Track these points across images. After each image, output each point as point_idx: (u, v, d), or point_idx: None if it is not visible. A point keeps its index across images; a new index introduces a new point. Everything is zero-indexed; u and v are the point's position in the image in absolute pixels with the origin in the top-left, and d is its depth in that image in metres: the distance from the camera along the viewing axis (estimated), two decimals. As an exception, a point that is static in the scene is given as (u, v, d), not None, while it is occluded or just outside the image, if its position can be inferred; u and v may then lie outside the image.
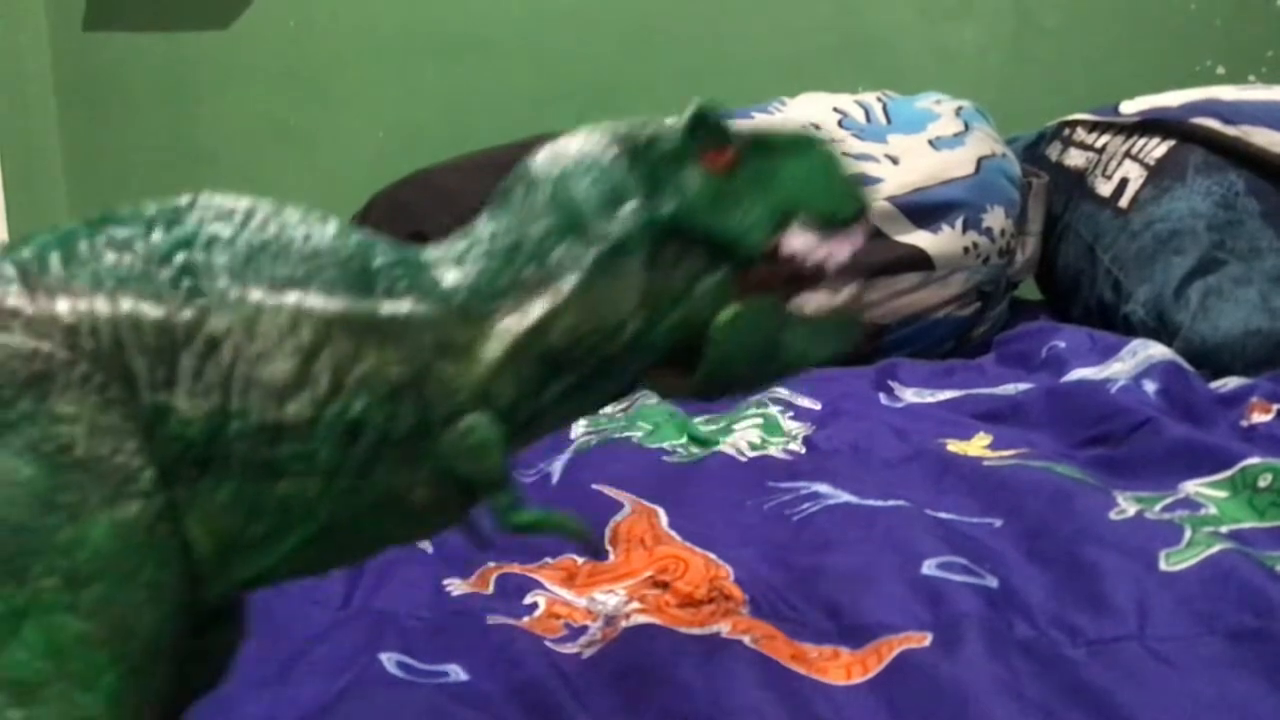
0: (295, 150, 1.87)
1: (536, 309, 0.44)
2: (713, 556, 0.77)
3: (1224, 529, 0.78)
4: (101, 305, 0.39)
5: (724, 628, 0.68)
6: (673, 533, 0.81)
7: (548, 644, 0.67)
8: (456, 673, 0.64)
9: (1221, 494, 0.85)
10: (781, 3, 1.83)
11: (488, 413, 0.43)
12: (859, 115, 1.49)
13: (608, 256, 0.45)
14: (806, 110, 1.51)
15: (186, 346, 0.40)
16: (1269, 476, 0.84)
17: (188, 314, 0.40)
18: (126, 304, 0.39)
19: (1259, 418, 1.00)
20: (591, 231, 0.45)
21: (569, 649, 0.67)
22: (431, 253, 0.46)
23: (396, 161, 1.60)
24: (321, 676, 0.63)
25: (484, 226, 0.46)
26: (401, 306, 0.43)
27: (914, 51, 1.84)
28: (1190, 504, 0.84)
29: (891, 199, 1.37)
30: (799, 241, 0.48)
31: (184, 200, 0.43)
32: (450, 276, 0.45)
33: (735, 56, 1.83)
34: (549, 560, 0.79)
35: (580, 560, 0.79)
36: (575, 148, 0.47)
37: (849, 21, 1.84)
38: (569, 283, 0.45)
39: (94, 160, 1.88)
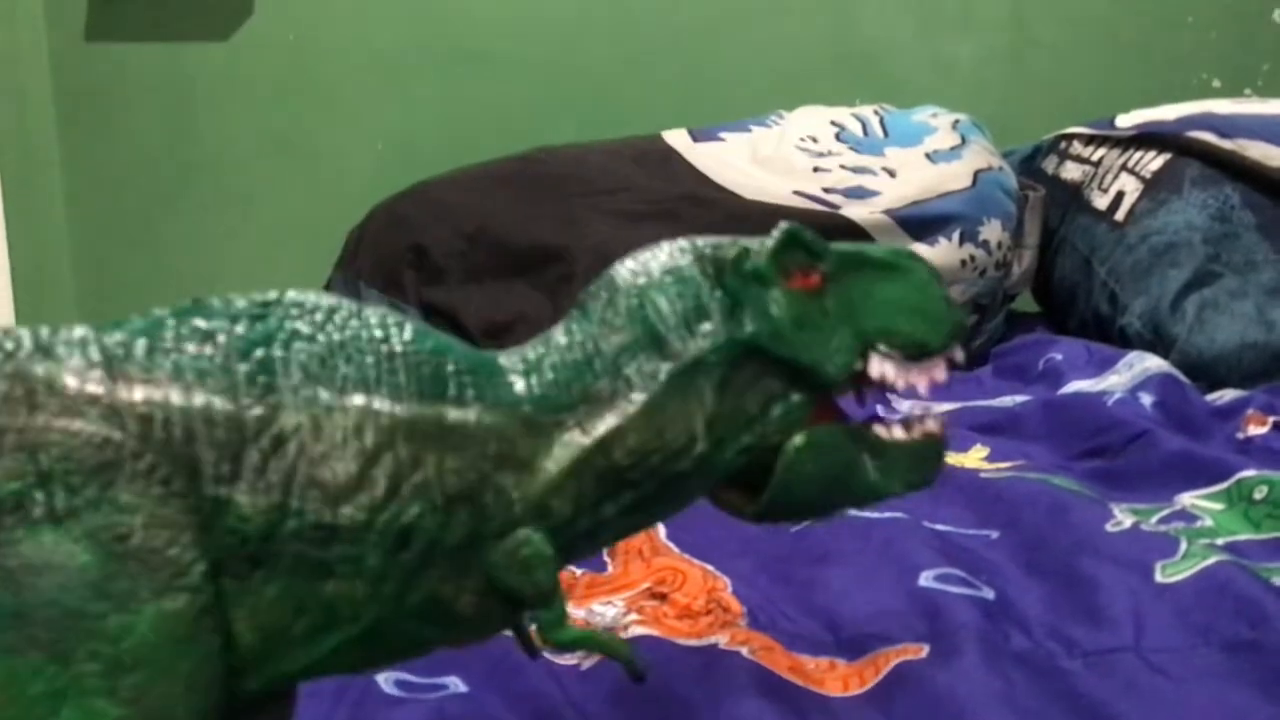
0: (294, 162, 1.87)
1: (602, 426, 0.44)
2: (710, 568, 0.78)
3: (1220, 541, 0.79)
4: (177, 396, 0.40)
5: (722, 639, 0.68)
6: (671, 544, 0.81)
7: (546, 655, 0.67)
8: (456, 684, 0.64)
9: (1217, 506, 0.85)
10: (779, 16, 1.84)
11: (542, 528, 0.43)
12: (856, 128, 1.50)
13: (681, 375, 0.44)
14: (804, 123, 1.51)
15: (254, 442, 0.40)
16: (1265, 488, 0.84)
17: (259, 410, 0.40)
18: (201, 397, 0.40)
19: (1255, 430, 1.01)
20: (668, 348, 0.45)
21: (568, 661, 0.67)
22: (506, 359, 0.46)
23: (395, 174, 1.60)
24: (317, 697, 0.63)
25: (560, 334, 0.46)
26: (468, 415, 0.43)
27: (911, 64, 1.84)
28: (1186, 516, 0.84)
29: (888, 212, 1.37)
30: (883, 368, 0.47)
31: (271, 295, 0.43)
32: (520, 385, 0.44)
33: (733, 69, 1.84)
34: (547, 572, 0.79)
35: (578, 572, 0.79)
36: (660, 261, 0.46)
37: (846, 35, 1.84)
38: (638, 400, 0.44)
39: (93, 170, 1.89)
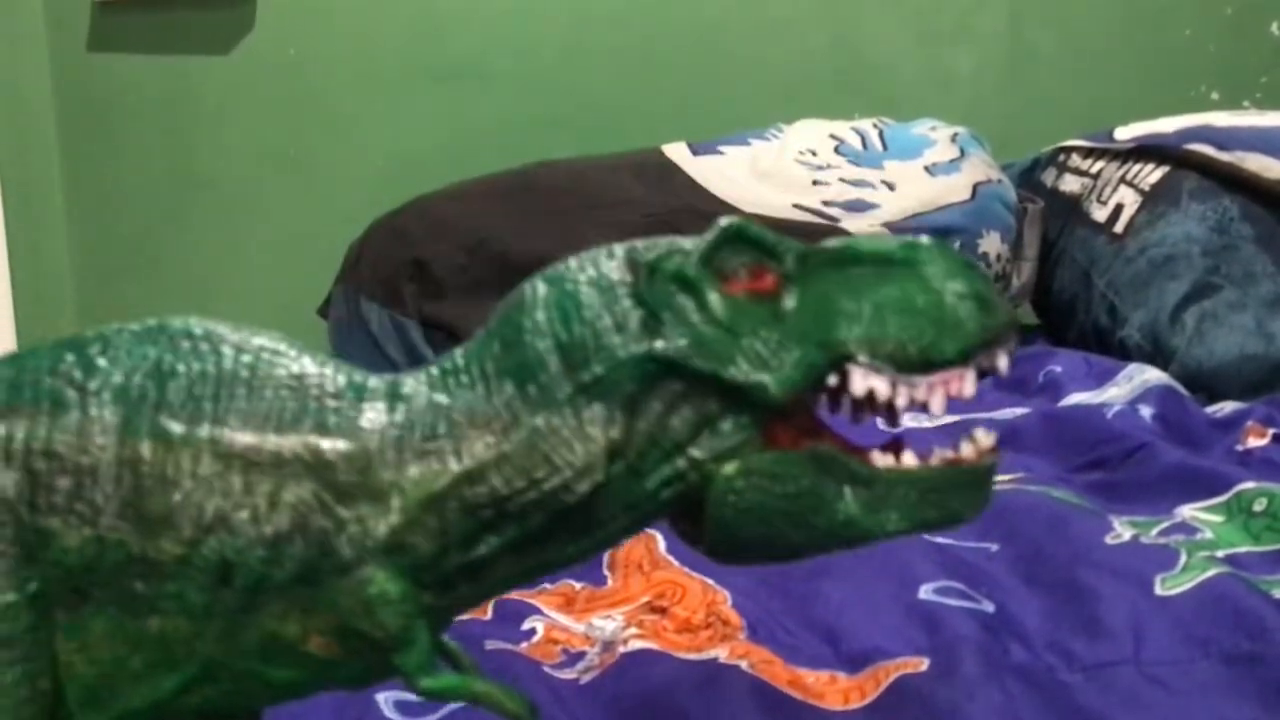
0: (294, 177, 1.88)
1: (469, 454, 0.40)
2: (710, 581, 0.77)
3: (1220, 553, 0.79)
4: (20, 429, 0.40)
5: (721, 653, 0.68)
6: (670, 557, 0.81)
7: (546, 670, 0.67)
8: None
9: (1217, 518, 0.85)
10: (778, 29, 1.84)
11: (393, 566, 0.40)
12: (855, 142, 1.50)
13: (579, 396, 0.40)
14: (804, 137, 1.52)
15: (71, 473, 0.39)
16: (1264, 501, 0.84)
17: (76, 440, 0.40)
18: (40, 428, 0.40)
19: (1254, 442, 1.01)
20: (572, 367, 0.40)
21: (568, 675, 0.67)
22: (384, 383, 0.42)
23: (395, 188, 1.60)
24: (317, 713, 0.63)
25: (459, 354, 0.42)
26: (318, 444, 0.40)
27: (910, 78, 1.85)
28: (1186, 528, 0.84)
29: (888, 225, 1.37)
30: (869, 383, 0.40)
31: (151, 322, 0.42)
32: (391, 412, 0.41)
33: (732, 83, 1.84)
34: (547, 586, 0.79)
35: (578, 585, 0.79)
36: (580, 268, 0.41)
37: (845, 48, 1.85)
38: (523, 425, 0.40)
39: (94, 183, 1.89)
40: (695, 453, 0.40)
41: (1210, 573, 0.71)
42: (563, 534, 0.41)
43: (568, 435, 0.40)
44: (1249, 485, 0.87)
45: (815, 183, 1.43)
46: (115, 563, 0.39)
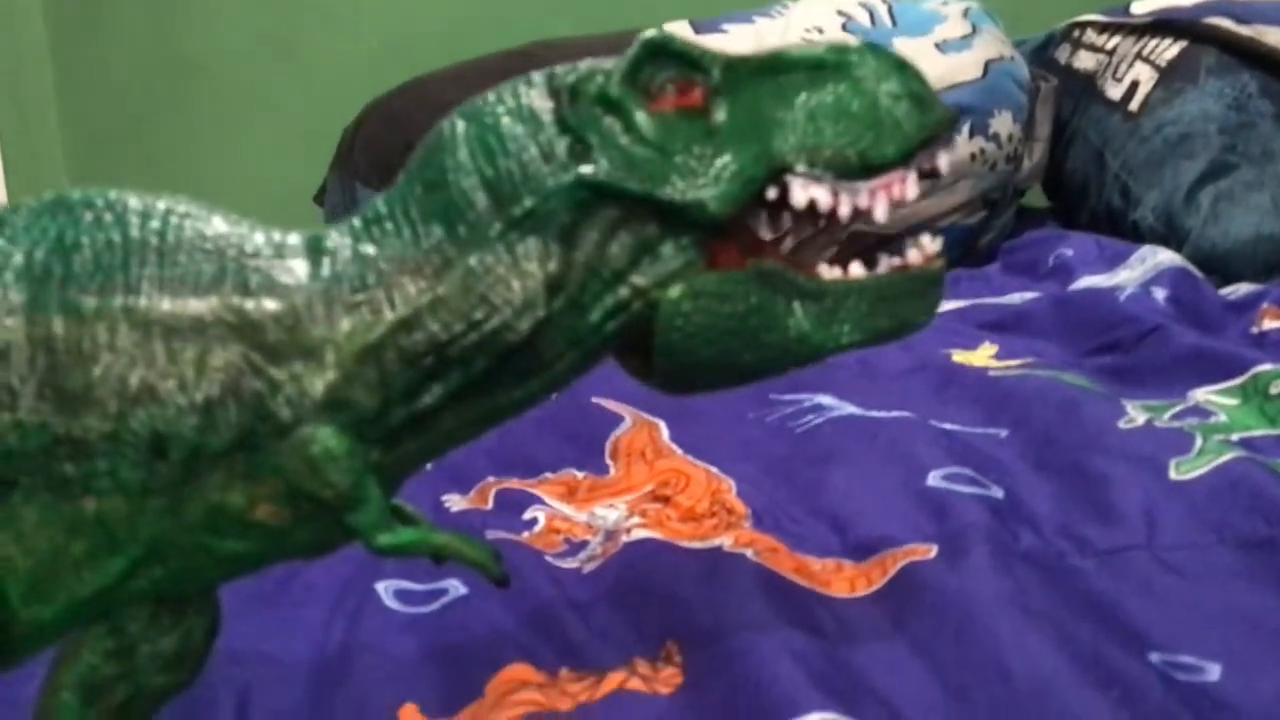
0: (286, 61, 1.83)
1: (402, 301, 0.39)
2: (714, 470, 0.76)
3: (1235, 437, 0.77)
4: None
5: (726, 541, 0.67)
6: (674, 446, 0.80)
7: (548, 559, 0.66)
8: (456, 587, 0.63)
9: (1232, 401, 0.84)
10: (783, -98, 1.78)
11: (335, 422, 0.38)
12: (864, 18, 1.46)
13: (511, 231, 0.38)
14: (810, 14, 1.47)
15: None
16: (1281, 383, 0.82)
17: None
18: None
19: (1270, 324, 0.99)
20: (501, 202, 0.39)
21: (569, 564, 0.66)
22: (305, 239, 0.40)
23: (390, 71, 1.56)
24: (317, 604, 0.62)
25: (381, 203, 0.40)
26: (242, 304, 0.38)
27: (920, -48, 1.79)
28: (1200, 412, 0.82)
29: (896, 104, 1.34)
30: (809, 192, 0.39)
31: (47, 196, 0.39)
32: (315, 267, 0.39)
33: (736, -41, 1.78)
34: (549, 475, 0.78)
35: (579, 474, 0.78)
36: (495, 100, 0.40)
37: (853, -79, 1.78)
38: (456, 266, 0.38)
39: (83, 70, 1.85)
40: (637, 280, 0.39)
41: (1226, 457, 0.69)
42: (508, 377, 0.40)
43: (503, 273, 0.39)
44: (1265, 367, 0.85)
45: (822, 61, 1.39)
46: (40, 446, 0.38)
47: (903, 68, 0.40)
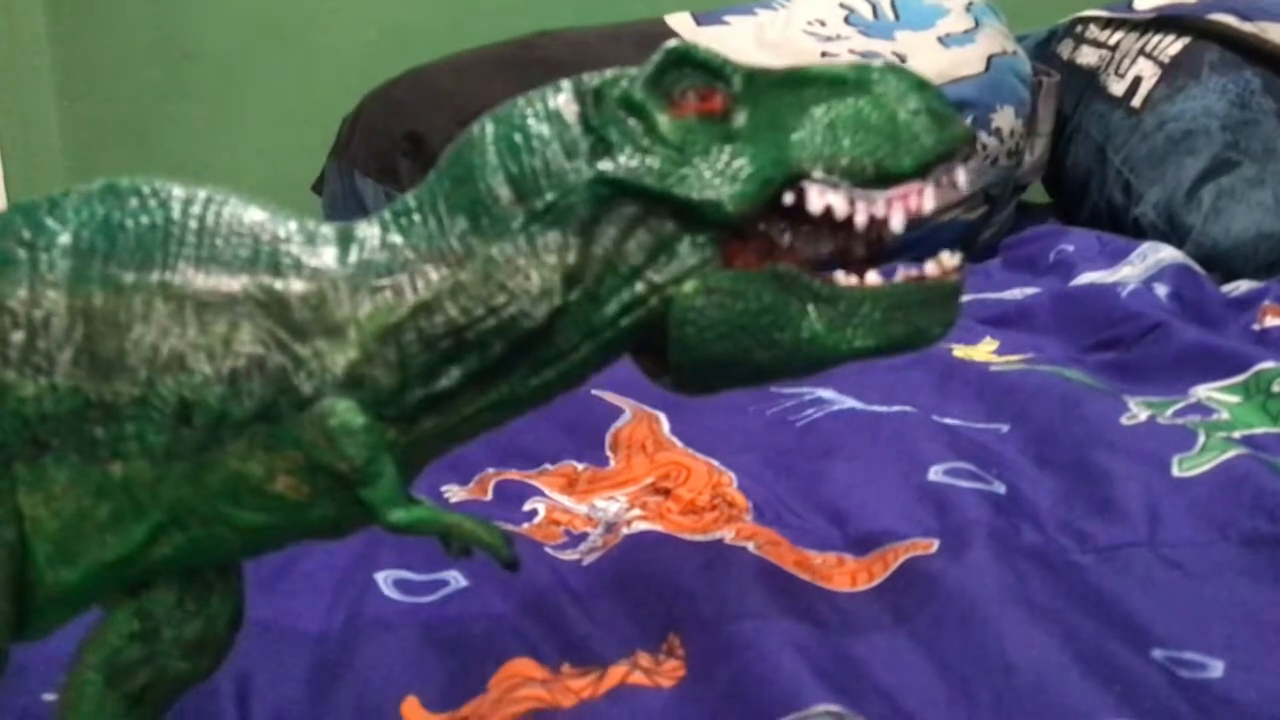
0: (286, 48, 1.82)
1: (424, 285, 0.40)
2: (715, 463, 0.76)
3: (1237, 434, 0.77)
4: None
5: (727, 534, 0.67)
6: (674, 439, 0.80)
7: (548, 551, 0.66)
8: (456, 579, 0.63)
9: (1234, 399, 0.84)
10: (786, -106, 1.77)
11: (354, 398, 0.40)
12: (866, 11, 1.45)
13: (533, 223, 0.40)
14: (812, 7, 1.47)
15: (18, 327, 0.40)
16: (1283, 380, 0.82)
17: (23, 292, 0.40)
18: None
19: (1272, 321, 0.99)
20: (525, 196, 0.40)
21: (570, 556, 0.66)
22: (336, 229, 0.42)
23: (390, 60, 1.55)
24: (316, 592, 0.62)
25: (411, 197, 0.42)
26: (272, 283, 0.40)
27: (922, -54, 1.78)
28: (1202, 409, 0.82)
29: (898, 98, 1.33)
30: (826, 199, 0.40)
31: (96, 185, 0.41)
32: (344, 253, 0.41)
33: (738, -49, 1.78)
34: (548, 466, 0.78)
35: (580, 466, 0.78)
36: (525, 103, 0.41)
37: (856, -86, 1.78)
38: (478, 255, 0.40)
39: (82, 56, 1.84)
40: (653, 276, 0.40)
41: (1229, 454, 0.69)
42: (525, 364, 0.41)
43: (523, 263, 0.40)
44: (1268, 365, 0.85)
45: (824, 54, 1.38)
46: (73, 409, 0.40)
47: (923, 86, 0.41)
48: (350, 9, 1.82)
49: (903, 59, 1.37)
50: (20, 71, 1.83)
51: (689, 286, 0.40)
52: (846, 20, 1.44)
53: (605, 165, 0.40)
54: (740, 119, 0.41)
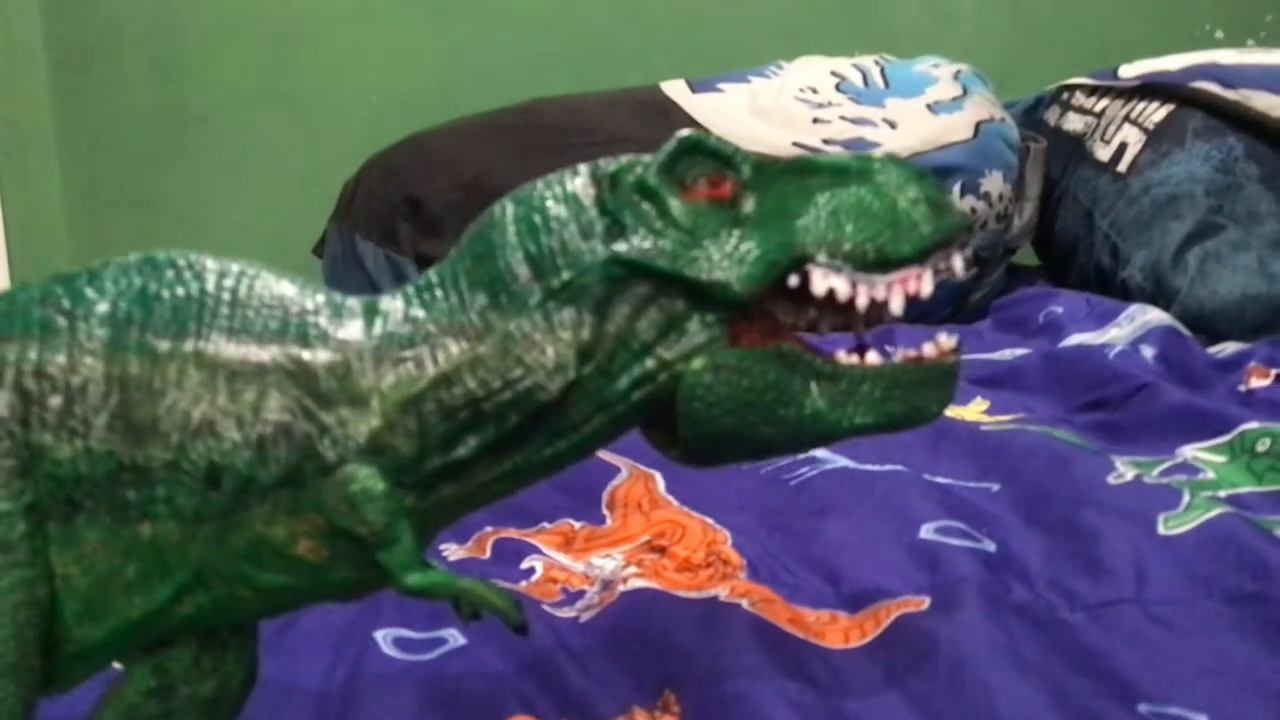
0: (287, 113, 1.85)
1: (444, 357, 0.42)
2: (710, 521, 0.77)
3: (1222, 493, 0.78)
4: (12, 352, 0.41)
5: (722, 591, 0.68)
6: (670, 497, 0.81)
7: (545, 608, 0.67)
8: (455, 637, 0.64)
9: (1220, 458, 0.85)
10: (778, -35, 1.81)
11: (375, 465, 0.41)
12: (856, 79, 1.48)
13: (549, 300, 0.42)
14: (804, 74, 1.50)
15: (56, 392, 0.41)
16: (1267, 441, 0.84)
17: (61, 359, 0.41)
18: (30, 351, 0.41)
19: (1257, 382, 1.00)
20: (542, 275, 0.42)
21: (567, 613, 0.67)
22: (361, 302, 0.44)
23: (390, 125, 1.58)
24: (316, 651, 0.63)
25: (433, 272, 0.44)
26: (299, 354, 0.42)
27: (912, 14, 1.82)
28: (1189, 468, 0.84)
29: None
30: (829, 282, 0.42)
31: (132, 257, 0.43)
32: (368, 325, 0.43)
33: (731, 19, 1.81)
34: (545, 525, 0.79)
35: (577, 525, 0.79)
36: (544, 186, 0.43)
37: (846, -16, 1.82)
38: (496, 330, 0.42)
39: (85, 119, 1.86)
40: (664, 353, 0.42)
41: (1213, 512, 0.71)
42: (539, 435, 0.43)
43: (539, 338, 0.42)
44: (1252, 425, 0.86)
45: (816, 120, 1.41)
46: (106, 472, 0.41)
47: (922, 177, 0.43)
48: (351, 75, 1.85)
49: (893, 125, 1.40)
50: (24, 135, 1.85)
51: (698, 363, 0.42)
52: (838, 88, 1.47)
53: (620, 246, 0.42)
54: (749, 205, 0.43)
